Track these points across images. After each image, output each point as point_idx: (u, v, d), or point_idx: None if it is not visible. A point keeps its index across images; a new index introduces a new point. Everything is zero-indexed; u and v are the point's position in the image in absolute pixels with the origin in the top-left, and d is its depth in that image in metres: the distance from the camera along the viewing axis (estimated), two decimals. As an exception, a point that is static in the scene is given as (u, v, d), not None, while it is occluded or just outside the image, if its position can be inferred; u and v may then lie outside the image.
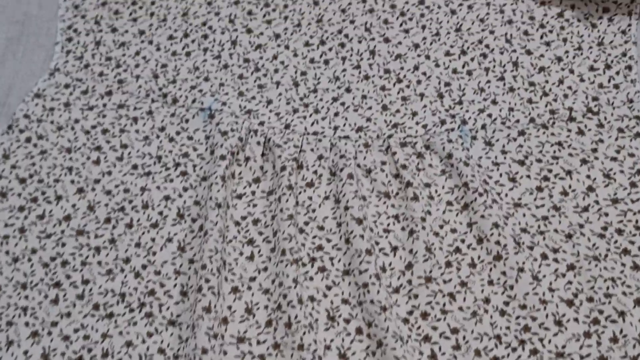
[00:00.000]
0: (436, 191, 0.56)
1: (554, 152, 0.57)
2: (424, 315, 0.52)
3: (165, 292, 0.54)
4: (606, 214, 0.54)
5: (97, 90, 0.62)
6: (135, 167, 0.59)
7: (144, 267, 0.55)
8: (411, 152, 0.58)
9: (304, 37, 0.63)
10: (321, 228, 0.56)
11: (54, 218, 0.57)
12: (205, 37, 0.64)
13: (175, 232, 0.56)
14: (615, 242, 0.53)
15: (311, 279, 0.54)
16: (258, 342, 0.52)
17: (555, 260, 0.53)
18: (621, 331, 0.50)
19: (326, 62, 0.62)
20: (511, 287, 0.52)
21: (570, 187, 0.56)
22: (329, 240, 0.55)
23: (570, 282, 0.52)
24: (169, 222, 0.56)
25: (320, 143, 0.59)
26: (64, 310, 0.54)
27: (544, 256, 0.53)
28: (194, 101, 0.61)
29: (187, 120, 0.61)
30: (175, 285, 0.54)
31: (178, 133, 0.60)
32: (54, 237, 0.57)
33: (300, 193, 0.57)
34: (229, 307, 0.53)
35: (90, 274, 0.55)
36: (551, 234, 0.54)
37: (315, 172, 0.57)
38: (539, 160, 0.57)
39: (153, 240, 0.56)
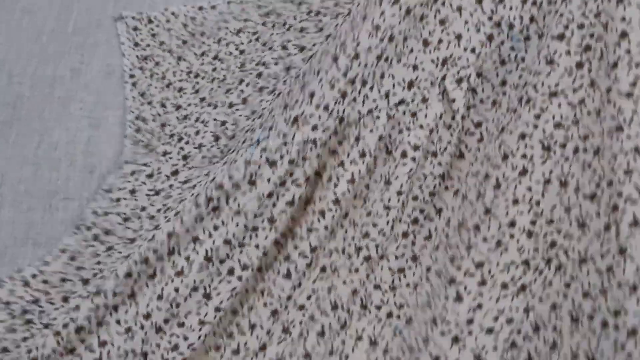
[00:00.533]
0: (487, 129, 0.54)
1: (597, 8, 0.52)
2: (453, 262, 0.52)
3: None
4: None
5: (163, 171, 0.61)
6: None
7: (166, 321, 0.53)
8: (466, 88, 0.55)
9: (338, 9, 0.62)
10: (368, 214, 0.54)
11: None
12: (259, 75, 0.63)
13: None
14: None
15: (356, 270, 0.53)
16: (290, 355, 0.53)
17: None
18: None
19: (364, 17, 0.57)
20: (537, 203, 0.51)
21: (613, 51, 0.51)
22: (374, 225, 0.54)
23: None
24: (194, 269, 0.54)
25: (378, 121, 0.55)
26: None
27: (575, 150, 0.51)
28: (244, 141, 0.60)
29: (235, 161, 0.58)
30: None
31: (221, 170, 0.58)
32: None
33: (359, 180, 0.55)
34: (268, 332, 0.53)
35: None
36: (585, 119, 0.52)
37: (375, 157, 0.55)
38: (581, 26, 0.52)
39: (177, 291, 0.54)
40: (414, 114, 0.54)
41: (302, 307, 0.53)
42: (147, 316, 0.52)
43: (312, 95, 0.54)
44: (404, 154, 0.54)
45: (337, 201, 0.53)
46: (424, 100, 0.55)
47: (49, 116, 0.63)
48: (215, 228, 0.53)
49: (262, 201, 0.53)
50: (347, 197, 0.54)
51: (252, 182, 0.53)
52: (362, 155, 0.54)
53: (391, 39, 0.55)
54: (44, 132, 0.63)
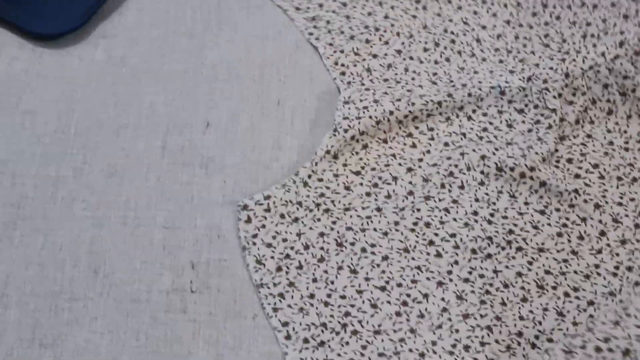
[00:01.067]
0: None
1: None
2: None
3: None
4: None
5: None
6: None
7: None
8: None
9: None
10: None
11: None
12: (453, 41, 0.74)
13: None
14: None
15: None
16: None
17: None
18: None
19: None
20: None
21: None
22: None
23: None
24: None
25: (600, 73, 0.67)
26: None
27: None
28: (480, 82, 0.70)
29: (481, 99, 0.68)
30: None
31: (474, 111, 0.68)
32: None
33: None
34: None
35: None
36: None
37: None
38: None
39: None
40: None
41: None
42: None
43: (533, 52, 0.71)
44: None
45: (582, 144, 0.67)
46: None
47: (53, 216, 0.65)
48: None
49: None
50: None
51: (508, 125, 0.67)
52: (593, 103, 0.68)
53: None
54: (48, 232, 0.65)
